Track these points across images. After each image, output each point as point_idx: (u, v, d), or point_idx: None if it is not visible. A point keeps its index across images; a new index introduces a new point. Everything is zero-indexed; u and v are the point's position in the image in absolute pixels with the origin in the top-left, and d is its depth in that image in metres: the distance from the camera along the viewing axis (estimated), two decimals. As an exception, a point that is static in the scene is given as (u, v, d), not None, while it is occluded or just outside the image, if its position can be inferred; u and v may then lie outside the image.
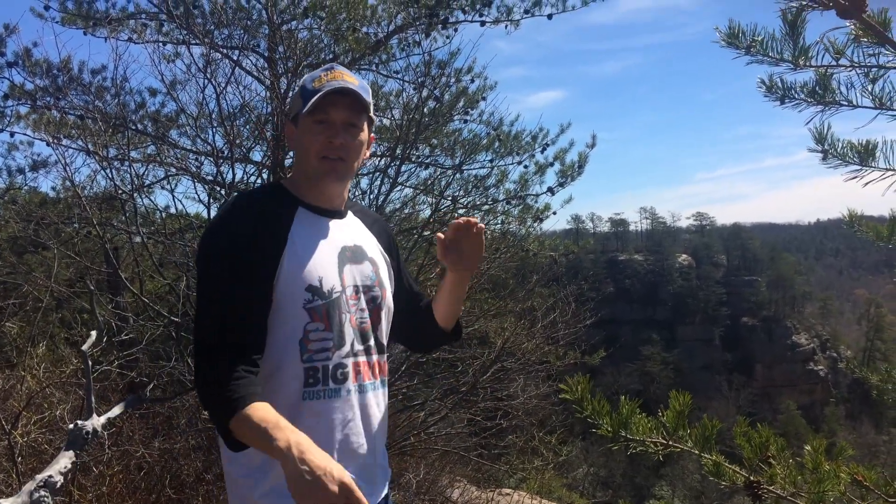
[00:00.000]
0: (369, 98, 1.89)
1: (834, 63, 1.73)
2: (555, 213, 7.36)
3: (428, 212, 7.03)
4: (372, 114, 1.92)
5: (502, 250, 7.07)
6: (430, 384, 7.19)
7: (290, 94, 2.00)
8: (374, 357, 1.90)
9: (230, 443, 1.60)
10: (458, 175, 7.27)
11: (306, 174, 1.90)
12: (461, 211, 7.20)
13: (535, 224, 7.56)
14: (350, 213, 2.03)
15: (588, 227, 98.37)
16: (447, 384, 6.88)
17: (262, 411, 1.54)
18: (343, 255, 1.89)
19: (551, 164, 7.27)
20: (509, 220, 7.65)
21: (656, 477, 42.18)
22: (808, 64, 1.77)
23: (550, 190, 7.15)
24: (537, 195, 7.32)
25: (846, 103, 1.75)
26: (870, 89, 1.70)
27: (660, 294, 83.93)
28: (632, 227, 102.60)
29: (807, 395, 72.37)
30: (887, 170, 1.80)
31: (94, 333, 4.04)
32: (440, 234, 2.05)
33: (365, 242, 2.00)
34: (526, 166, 7.38)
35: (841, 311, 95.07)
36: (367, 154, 1.98)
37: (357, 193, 6.91)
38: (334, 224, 1.93)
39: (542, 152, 7.51)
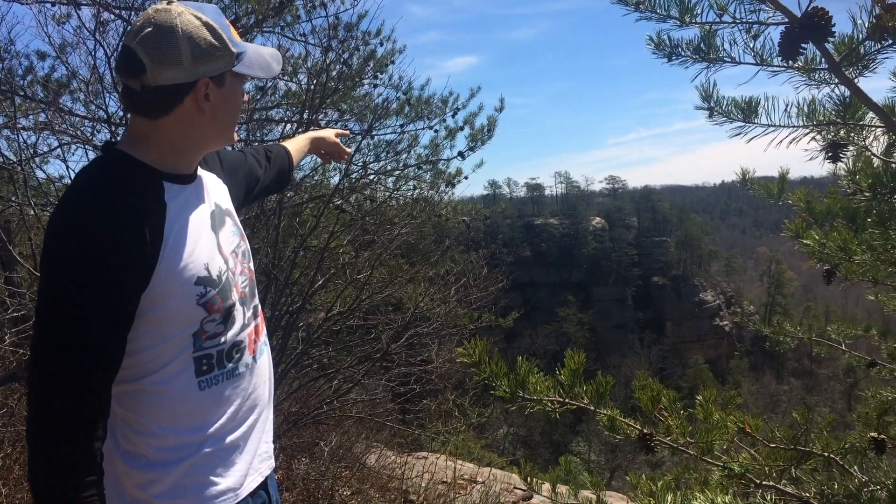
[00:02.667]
0: None
1: (717, 20, 1.74)
2: (466, 178, 7.33)
3: (337, 178, 6.91)
4: None
5: (415, 216, 7.03)
6: (344, 352, 7.15)
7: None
8: (258, 314, 1.82)
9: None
10: (367, 140, 7.15)
11: (206, 139, 1.65)
12: (371, 177, 7.11)
13: (448, 189, 7.54)
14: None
15: (505, 193, 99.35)
16: (362, 351, 6.85)
17: None
18: (214, 225, 1.69)
19: (461, 129, 7.23)
20: (422, 185, 7.60)
21: (573, 434, 43.55)
22: (693, 21, 1.78)
23: (461, 154, 7.11)
24: (448, 160, 7.28)
25: (729, 60, 1.77)
26: (751, 46, 1.73)
27: (575, 257, 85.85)
28: (547, 192, 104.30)
29: (713, 350, 75.88)
30: (769, 125, 1.84)
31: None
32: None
33: (218, 194, 1.79)
34: (436, 131, 7.32)
35: (744, 269, 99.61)
36: None
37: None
38: (197, 190, 1.69)
39: (452, 116, 7.44)
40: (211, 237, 1.66)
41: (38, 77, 7.58)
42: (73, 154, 6.69)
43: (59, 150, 6.81)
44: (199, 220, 1.64)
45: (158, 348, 1.55)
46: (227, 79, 1.62)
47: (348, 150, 2.68)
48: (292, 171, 2.48)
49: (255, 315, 1.78)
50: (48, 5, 6.43)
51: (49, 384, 1.40)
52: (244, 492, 1.69)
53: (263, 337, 1.83)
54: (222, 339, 1.64)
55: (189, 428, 1.60)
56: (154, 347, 1.54)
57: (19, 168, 5.74)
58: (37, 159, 6.71)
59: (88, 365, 1.42)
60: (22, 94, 6.88)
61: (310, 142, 2.60)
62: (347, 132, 2.85)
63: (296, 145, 2.53)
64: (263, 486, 1.80)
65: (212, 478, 1.62)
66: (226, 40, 1.58)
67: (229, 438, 1.66)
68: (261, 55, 1.70)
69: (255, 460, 1.75)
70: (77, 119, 6.80)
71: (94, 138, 6.28)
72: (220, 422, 1.64)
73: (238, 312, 1.69)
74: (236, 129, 1.74)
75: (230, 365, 1.66)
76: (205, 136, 1.65)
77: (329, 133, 2.66)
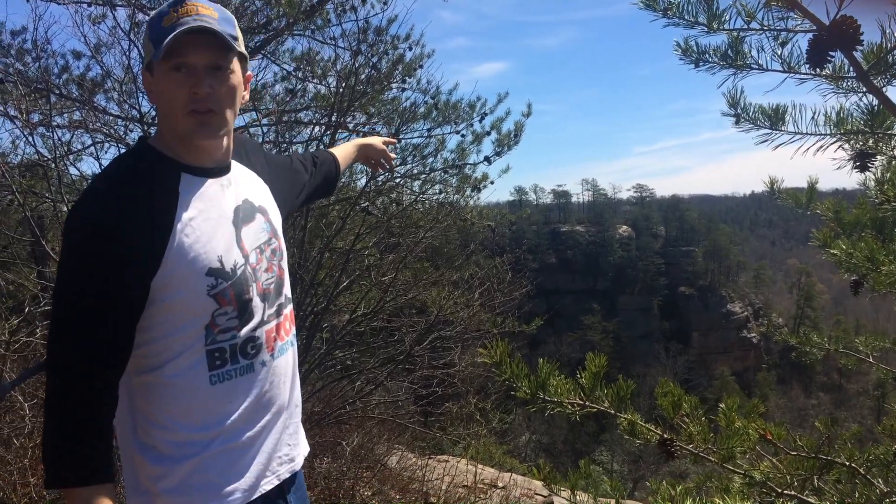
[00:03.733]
0: (235, 31, 1.63)
1: (745, 27, 1.75)
2: (492, 183, 7.35)
3: (364, 180, 6.97)
4: (243, 49, 1.65)
5: (441, 220, 7.06)
6: (368, 353, 7.19)
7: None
8: (284, 313, 1.79)
9: (50, 481, 1.47)
10: (395, 144, 7.19)
11: (175, 131, 1.62)
12: (398, 180, 7.14)
13: (474, 194, 7.56)
14: (232, 161, 1.78)
15: (531, 199, 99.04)
16: (385, 353, 6.88)
17: (108, 500, 1.46)
18: (237, 220, 1.69)
19: (488, 133, 7.24)
20: (448, 189, 7.63)
21: (596, 443, 43.24)
22: (721, 27, 1.79)
23: (487, 159, 7.12)
24: (475, 164, 7.30)
25: (756, 66, 1.77)
26: (779, 53, 1.72)
27: (601, 265, 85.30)
28: (574, 199, 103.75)
29: (740, 362, 74.86)
30: (796, 133, 1.83)
31: None
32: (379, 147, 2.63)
33: (251, 191, 1.79)
34: (463, 135, 7.35)
35: (773, 280, 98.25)
36: (246, 98, 1.72)
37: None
38: (221, 184, 1.69)
39: (480, 121, 7.47)
40: (230, 230, 1.66)
41: (73, 76, 7.74)
42: (106, 152, 6.79)
43: (92, 148, 6.95)
44: (218, 212, 1.65)
45: (170, 339, 1.58)
46: (155, 68, 1.59)
47: (394, 155, 2.71)
48: (339, 177, 2.51)
49: (277, 313, 1.76)
50: (84, 5, 6.57)
51: (53, 362, 1.49)
52: (254, 494, 1.67)
53: (289, 337, 1.81)
54: (237, 334, 1.64)
55: (199, 423, 1.61)
56: (166, 338, 1.57)
57: (53, 165, 5.86)
58: (71, 157, 6.85)
59: (91, 346, 1.48)
60: (57, 92, 7.02)
61: (357, 149, 2.62)
62: (394, 140, 2.87)
63: (343, 152, 2.55)
64: (280, 491, 1.77)
65: (220, 477, 1.62)
66: (146, 30, 1.63)
67: (241, 438, 1.65)
68: (175, 25, 1.56)
69: (274, 462, 1.73)
70: (110, 118, 6.93)
71: (127, 137, 6.40)
72: (232, 419, 1.63)
73: (256, 308, 1.68)
74: (199, 121, 1.59)
75: (245, 361, 1.65)
76: (167, 126, 1.65)
77: (376, 140, 2.67)
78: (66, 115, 7.05)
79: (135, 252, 1.50)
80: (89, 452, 1.45)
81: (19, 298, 5.79)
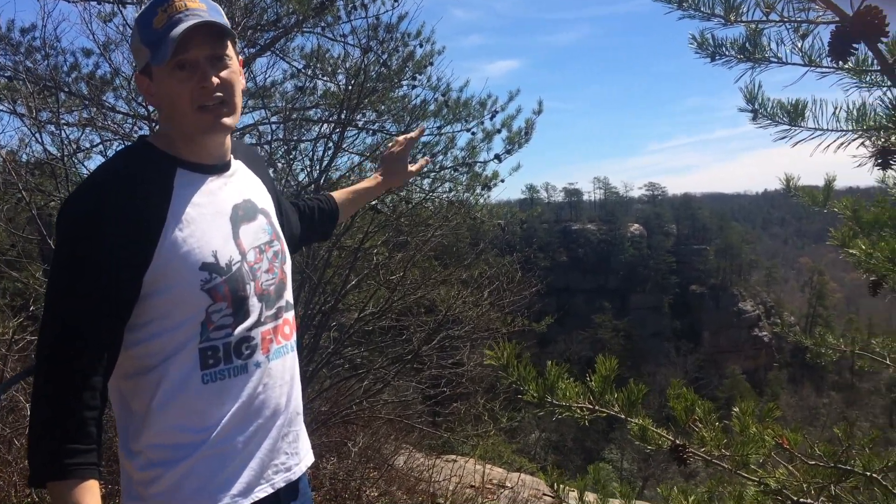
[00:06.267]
0: (223, 17, 1.62)
1: (764, 18, 1.68)
2: (503, 181, 7.28)
3: (373, 179, 6.91)
4: (234, 38, 1.65)
5: (450, 218, 7.00)
6: (376, 352, 7.15)
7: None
8: (283, 317, 1.75)
9: (33, 477, 1.44)
10: (404, 141, 7.13)
11: (184, 131, 1.62)
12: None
13: (484, 192, 7.50)
14: (233, 160, 1.76)
15: (542, 197, 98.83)
16: (393, 352, 6.84)
17: (90, 496, 1.41)
18: (236, 217, 1.66)
19: (499, 131, 7.18)
20: (458, 187, 7.57)
21: (606, 441, 43.12)
22: (738, 19, 1.72)
23: (497, 157, 7.07)
24: (485, 162, 7.25)
25: (776, 60, 1.70)
26: (799, 45, 1.66)
27: (612, 263, 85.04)
28: (585, 197, 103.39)
29: (751, 361, 74.52)
30: (816, 129, 1.77)
31: None
32: (399, 139, 2.43)
33: (253, 192, 1.77)
34: (474, 133, 7.28)
35: (786, 279, 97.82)
36: (244, 83, 1.70)
37: (304, 161, 6.78)
38: (220, 181, 1.68)
39: (491, 119, 7.40)
40: (227, 226, 1.64)
41: (82, 74, 7.72)
42: (115, 150, 6.76)
43: (100, 146, 6.96)
44: (215, 208, 1.64)
45: (165, 336, 1.55)
46: (154, 72, 1.58)
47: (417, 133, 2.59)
48: (336, 215, 2.34)
49: (276, 316, 1.72)
50: (94, 3, 6.55)
51: (41, 355, 1.47)
52: (246, 501, 1.62)
53: (289, 342, 1.77)
54: (231, 332, 1.60)
55: (190, 425, 1.57)
56: (161, 335, 1.55)
57: (62, 163, 5.85)
58: (79, 155, 6.86)
59: (78, 340, 1.46)
60: (66, 90, 7.02)
61: (369, 182, 2.45)
62: (415, 135, 2.58)
63: (347, 190, 2.43)
64: (277, 499, 1.71)
65: (210, 481, 1.57)
66: (136, 34, 1.60)
67: (232, 441, 1.61)
68: (170, 24, 1.54)
69: (269, 470, 1.69)
70: (119, 116, 6.92)
71: (135, 135, 6.37)
72: (223, 421, 1.59)
73: (253, 307, 1.64)
74: (213, 116, 1.58)
75: (238, 361, 1.61)
76: (174, 126, 1.64)
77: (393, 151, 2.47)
78: (74, 113, 7.05)
79: (126, 245, 1.49)
80: (72, 447, 1.42)
81: (26, 297, 5.77)
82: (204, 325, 1.56)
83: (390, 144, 2.49)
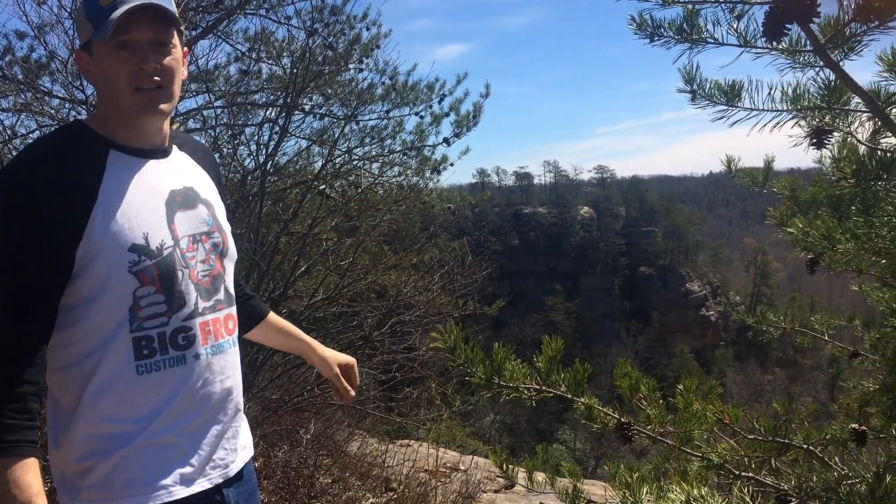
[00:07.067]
0: (172, 6, 1.61)
1: (701, 0, 1.70)
2: (452, 165, 7.27)
3: (321, 162, 6.84)
4: (181, 27, 1.65)
5: (400, 202, 6.96)
6: (328, 339, 7.08)
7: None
8: (225, 311, 1.72)
9: None
10: (352, 125, 7.07)
11: (119, 111, 1.60)
12: (355, 162, 7.03)
13: (434, 175, 7.48)
14: (175, 149, 1.75)
15: (493, 181, 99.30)
16: (345, 339, 6.78)
17: (31, 474, 1.39)
18: (172, 202, 1.64)
19: (447, 115, 7.16)
20: (407, 171, 7.54)
21: (559, 422, 43.75)
22: (676, 1, 1.74)
23: (446, 140, 7.04)
24: (434, 146, 7.22)
25: (712, 41, 1.72)
26: (735, 26, 1.68)
27: (563, 246, 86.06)
28: (536, 181, 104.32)
29: (699, 340, 76.40)
30: (752, 109, 1.79)
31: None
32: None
33: (196, 182, 1.74)
34: (422, 117, 7.24)
35: (731, 259, 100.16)
36: (185, 73, 1.70)
37: (250, 146, 6.65)
38: (157, 165, 1.66)
39: (439, 103, 7.37)
40: (160, 211, 1.61)
41: (16, 58, 7.45)
42: (51, 134, 6.54)
43: (37, 132, 6.72)
44: (148, 191, 1.61)
45: (95, 320, 1.52)
46: (94, 49, 1.58)
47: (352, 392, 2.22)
48: (258, 318, 2.11)
49: (214, 309, 1.68)
50: (23, -16, 6.31)
51: None
52: (181, 493, 1.58)
53: (231, 337, 1.73)
54: (166, 321, 1.57)
55: (124, 416, 1.54)
56: (89, 319, 1.52)
57: (-3, 150, 5.65)
58: (15, 141, 6.62)
59: (13, 318, 1.45)
60: (0, 74, 6.77)
61: (305, 343, 2.19)
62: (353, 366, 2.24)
63: (289, 331, 2.20)
64: (217, 490, 1.68)
65: (144, 472, 1.55)
66: (81, 9, 1.59)
67: (169, 433, 1.58)
68: (115, 3, 1.54)
69: (207, 465, 1.66)
70: (56, 101, 6.70)
71: (72, 120, 6.19)
72: (160, 412, 1.56)
73: (188, 296, 1.61)
74: (148, 98, 1.57)
75: (175, 352, 1.58)
76: (110, 107, 1.62)
77: (332, 359, 2.18)
78: (10, 98, 6.80)
79: (59, 222, 1.47)
80: (12, 423, 1.39)
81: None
82: (132, 311, 1.53)
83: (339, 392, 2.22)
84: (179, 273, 1.60)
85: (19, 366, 1.43)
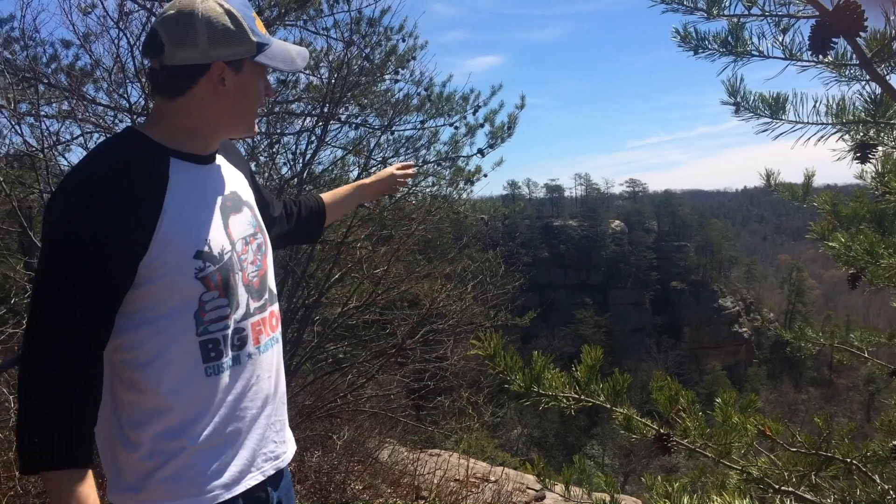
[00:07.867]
0: None
1: (746, 12, 1.70)
2: (485, 176, 7.30)
3: (356, 172, 6.91)
4: None
5: (433, 212, 7.01)
6: (360, 346, 7.14)
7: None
8: (269, 310, 1.77)
9: (25, 465, 1.44)
10: (387, 135, 7.14)
11: (231, 125, 1.69)
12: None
13: (467, 186, 7.51)
14: (218, 155, 1.80)
15: (524, 193, 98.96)
16: (377, 346, 6.83)
17: (88, 485, 1.43)
18: (225, 207, 1.69)
19: (482, 126, 7.20)
20: (441, 182, 7.58)
21: (587, 436, 43.37)
22: (721, 13, 1.75)
23: (480, 151, 7.08)
24: (468, 157, 7.26)
25: (757, 54, 1.72)
26: (780, 40, 1.68)
27: (593, 259, 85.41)
28: (567, 194, 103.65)
29: (731, 357, 75.13)
30: (796, 122, 1.79)
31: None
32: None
33: (238, 185, 1.80)
34: (456, 128, 7.29)
35: (765, 276, 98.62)
36: None
37: (287, 155, 6.76)
38: (209, 172, 1.71)
39: (473, 114, 7.42)
40: (218, 217, 1.66)
41: (62, 65, 7.64)
42: (95, 143, 6.69)
43: (81, 138, 6.88)
44: (207, 198, 1.66)
45: (160, 324, 1.55)
46: (245, 66, 1.63)
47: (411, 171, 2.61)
48: (324, 215, 2.38)
49: (262, 308, 1.74)
50: (70, -9, 6.47)
51: (31, 343, 1.46)
52: (239, 489, 1.64)
53: (274, 334, 1.79)
54: (227, 323, 1.62)
55: (190, 417, 1.58)
56: (153, 323, 1.54)
57: (42, 155, 5.79)
58: (59, 147, 6.77)
59: (70, 328, 1.45)
60: (46, 81, 6.94)
61: (356, 188, 2.50)
62: (410, 168, 2.61)
63: (337, 192, 2.47)
64: (264, 486, 1.74)
65: (206, 471, 1.59)
66: (245, 28, 1.60)
67: (226, 431, 1.63)
68: (286, 50, 1.70)
69: (259, 459, 1.71)
70: (100, 108, 6.85)
71: (116, 127, 6.32)
72: (220, 415, 1.61)
73: (242, 298, 1.66)
74: (256, 121, 1.74)
75: (234, 353, 1.64)
76: (220, 120, 1.67)
77: (387, 171, 2.55)
78: (54, 104, 6.97)
79: (123, 233, 1.48)
80: (66, 435, 1.42)
81: (6, 290, 5.72)
82: (198, 315, 1.57)
83: (401, 175, 2.56)
84: (236, 276, 1.65)
85: (81, 378, 1.45)
